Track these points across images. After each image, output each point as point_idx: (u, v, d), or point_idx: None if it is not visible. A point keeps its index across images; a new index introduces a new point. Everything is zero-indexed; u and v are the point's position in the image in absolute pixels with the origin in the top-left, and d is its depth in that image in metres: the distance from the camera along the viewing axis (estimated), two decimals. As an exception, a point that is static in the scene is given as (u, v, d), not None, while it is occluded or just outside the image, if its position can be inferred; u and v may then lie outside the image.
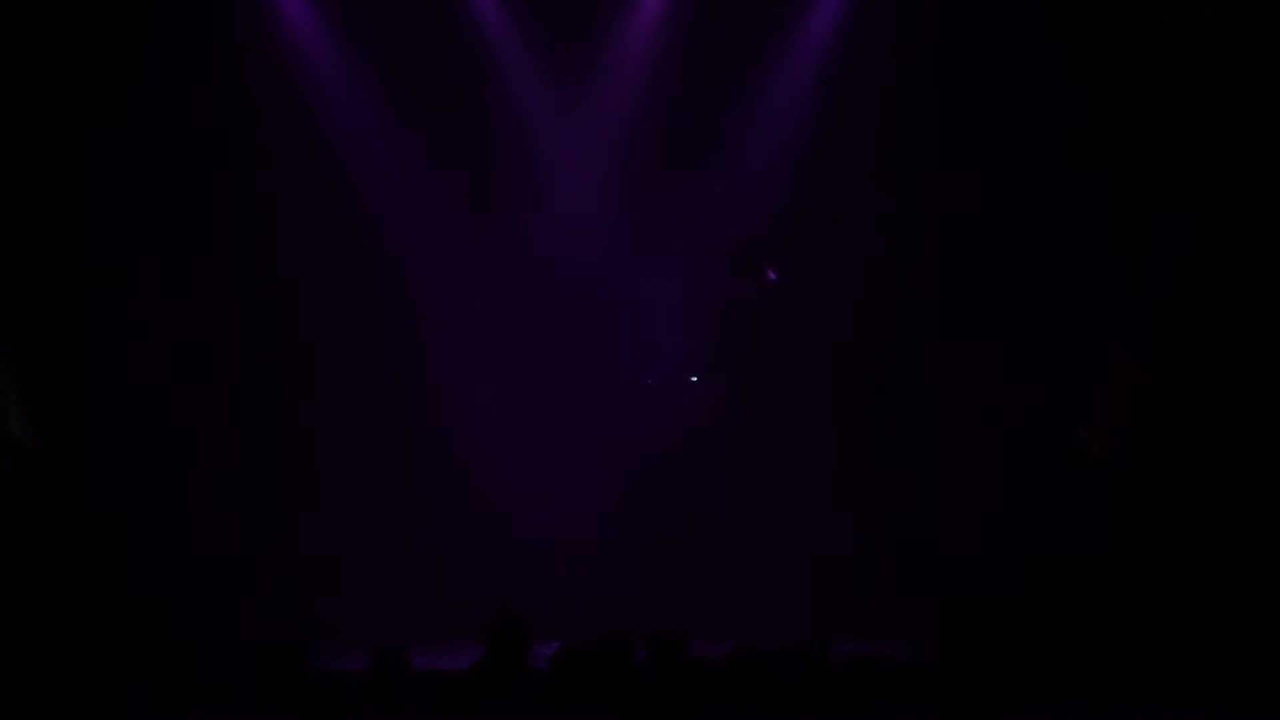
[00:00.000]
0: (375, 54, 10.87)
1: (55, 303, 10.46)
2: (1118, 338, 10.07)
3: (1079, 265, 10.47)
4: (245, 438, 10.68)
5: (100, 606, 9.58)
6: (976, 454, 10.47)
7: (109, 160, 10.57)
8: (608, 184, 11.05)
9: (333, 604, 10.02)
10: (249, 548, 10.34)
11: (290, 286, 10.91)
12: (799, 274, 10.91)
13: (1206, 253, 10.20)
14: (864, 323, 10.92)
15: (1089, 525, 9.71)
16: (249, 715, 5.48)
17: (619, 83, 11.08)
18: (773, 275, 10.73)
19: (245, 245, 10.88)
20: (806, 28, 10.94)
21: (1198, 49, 10.23)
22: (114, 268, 10.61)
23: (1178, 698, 7.56)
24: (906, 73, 10.78)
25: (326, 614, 9.75)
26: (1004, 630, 9.02)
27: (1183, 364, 10.01)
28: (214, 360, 10.74)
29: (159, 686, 5.93)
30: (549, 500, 10.57)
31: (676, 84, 10.98)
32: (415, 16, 10.86)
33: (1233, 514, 9.71)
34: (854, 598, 10.02)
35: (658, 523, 10.55)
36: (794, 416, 10.84)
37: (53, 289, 10.49)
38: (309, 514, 10.57)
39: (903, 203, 10.89)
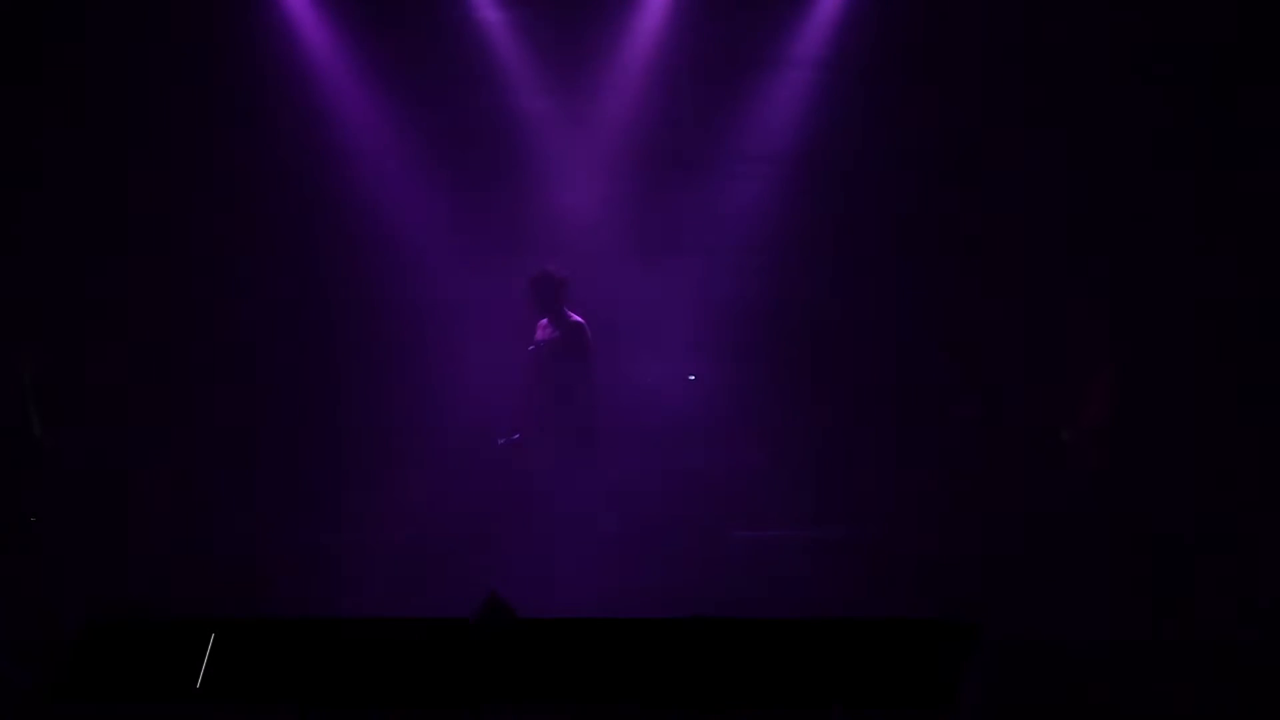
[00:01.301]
0: (380, 57, 11.10)
1: (59, 304, 10.61)
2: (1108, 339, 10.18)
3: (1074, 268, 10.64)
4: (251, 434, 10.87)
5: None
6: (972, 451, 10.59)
7: (110, 159, 10.72)
8: (611, 184, 11.24)
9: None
10: (257, 544, 10.41)
11: (306, 290, 11.15)
12: (803, 274, 11.07)
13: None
14: (865, 323, 11.06)
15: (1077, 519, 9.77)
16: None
17: (622, 86, 11.25)
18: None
19: (255, 247, 11.07)
20: (805, 32, 11.14)
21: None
22: (116, 265, 10.83)
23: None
24: (905, 76, 10.96)
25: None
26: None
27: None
28: (230, 358, 10.95)
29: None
30: (551, 496, 10.59)
31: (678, 88, 11.18)
32: (420, 19, 11.04)
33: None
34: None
35: (660, 517, 10.59)
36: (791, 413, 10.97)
37: (57, 290, 10.63)
38: (311, 509, 10.69)
39: (904, 206, 11.06)
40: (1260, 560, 9.08)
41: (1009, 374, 10.66)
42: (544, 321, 9.77)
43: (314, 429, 10.96)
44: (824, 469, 10.88)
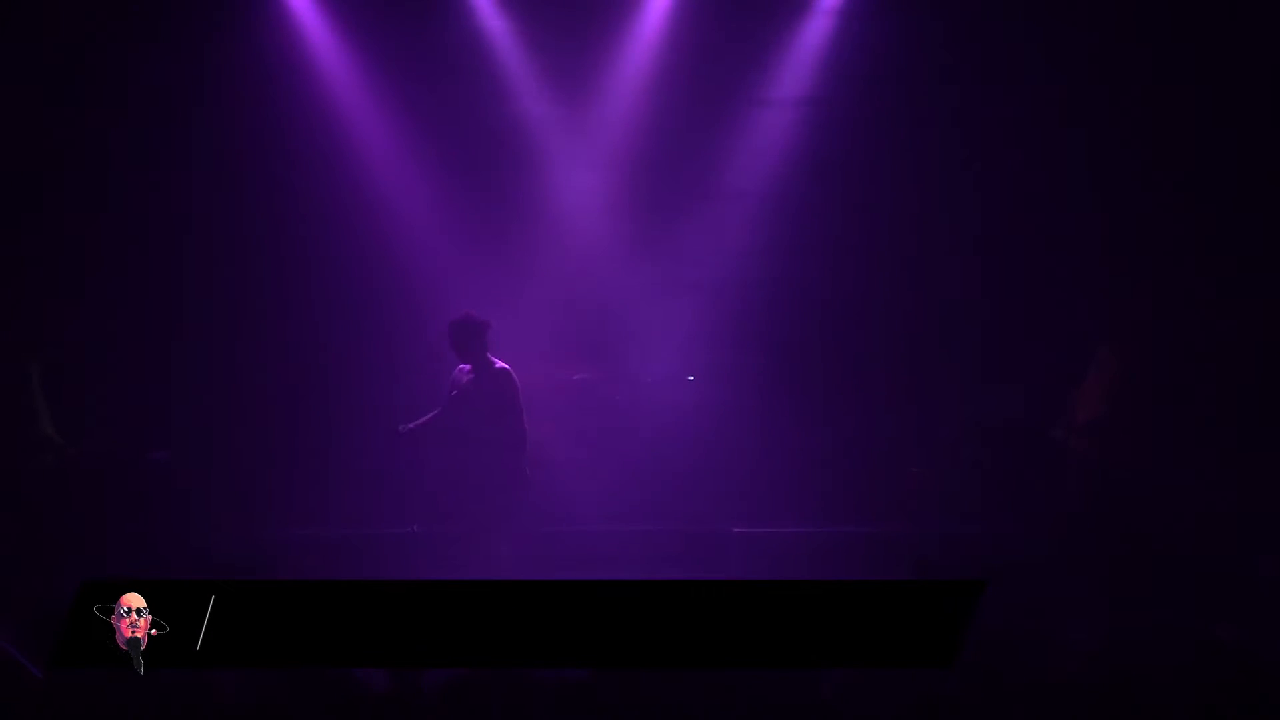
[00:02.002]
0: (385, 63, 11.18)
1: (58, 301, 10.64)
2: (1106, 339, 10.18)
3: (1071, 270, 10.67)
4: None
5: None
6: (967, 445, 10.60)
7: (121, 159, 10.79)
8: (612, 189, 11.31)
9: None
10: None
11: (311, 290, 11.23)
12: (802, 272, 11.10)
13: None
14: (864, 322, 11.09)
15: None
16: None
17: (622, 94, 11.30)
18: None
19: (251, 247, 11.13)
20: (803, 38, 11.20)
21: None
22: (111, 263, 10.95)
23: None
24: (903, 78, 11.01)
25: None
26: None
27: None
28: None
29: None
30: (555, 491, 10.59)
31: (678, 93, 11.24)
32: (424, 24, 11.12)
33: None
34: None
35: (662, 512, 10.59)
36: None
37: (56, 288, 10.67)
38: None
39: (901, 207, 11.10)
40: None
41: (1008, 374, 10.70)
42: (465, 367, 9.44)
43: (309, 428, 11.01)
44: (823, 467, 10.89)
